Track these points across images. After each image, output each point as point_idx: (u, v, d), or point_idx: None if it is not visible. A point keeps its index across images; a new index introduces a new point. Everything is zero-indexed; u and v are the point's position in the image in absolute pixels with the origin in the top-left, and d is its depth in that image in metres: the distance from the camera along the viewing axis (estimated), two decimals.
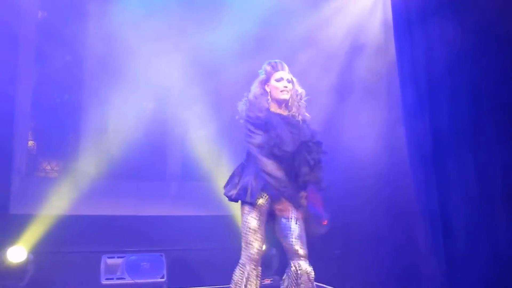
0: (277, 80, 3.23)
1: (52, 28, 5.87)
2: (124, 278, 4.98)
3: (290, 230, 3.23)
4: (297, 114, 3.23)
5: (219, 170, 5.84)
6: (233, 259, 5.57)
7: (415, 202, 4.10)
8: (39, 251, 5.00)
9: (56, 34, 5.81)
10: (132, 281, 4.96)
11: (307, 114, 3.32)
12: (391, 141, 4.63)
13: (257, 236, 3.16)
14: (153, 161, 6.11)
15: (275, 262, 5.57)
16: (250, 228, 3.16)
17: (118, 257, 5.07)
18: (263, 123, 3.12)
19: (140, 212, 5.66)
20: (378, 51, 5.20)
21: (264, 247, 3.30)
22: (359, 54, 5.44)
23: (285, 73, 3.24)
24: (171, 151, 6.26)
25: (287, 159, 3.13)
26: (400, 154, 4.31)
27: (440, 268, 3.81)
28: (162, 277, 5.07)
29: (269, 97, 3.21)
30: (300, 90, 3.30)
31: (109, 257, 5.07)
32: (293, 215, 3.22)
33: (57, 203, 5.33)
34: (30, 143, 5.87)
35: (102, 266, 5.02)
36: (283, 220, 3.24)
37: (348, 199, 5.03)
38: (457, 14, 3.86)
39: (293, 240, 3.22)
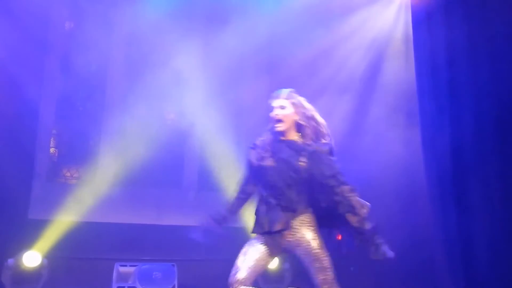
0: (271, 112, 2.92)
1: (78, 39, 6.06)
2: (136, 287, 4.97)
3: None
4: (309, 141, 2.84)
5: (235, 182, 5.80)
6: None
7: (432, 225, 3.90)
8: (53, 256, 5.06)
9: (82, 45, 5.99)
10: None
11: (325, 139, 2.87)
12: (408, 158, 4.49)
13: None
14: (171, 170, 6.15)
15: (287, 276, 5.47)
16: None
17: (130, 266, 5.07)
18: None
19: (155, 221, 5.68)
20: (399, 63, 5.12)
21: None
22: (379, 66, 5.38)
23: (276, 101, 2.92)
24: (188, 160, 6.27)
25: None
26: (417, 172, 4.16)
27: None
28: (173, 287, 5.04)
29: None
30: (308, 112, 2.91)
31: (121, 265, 5.08)
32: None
33: (75, 210, 5.41)
34: (52, 150, 6.00)
35: (115, 273, 5.03)
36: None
37: None
38: (479, 16, 3.70)
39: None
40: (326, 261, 2.88)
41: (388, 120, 4.86)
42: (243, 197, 3.08)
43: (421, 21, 4.53)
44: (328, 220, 2.90)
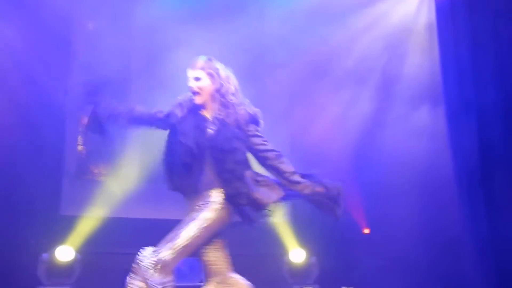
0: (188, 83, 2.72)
1: (101, 38, 6.15)
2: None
3: None
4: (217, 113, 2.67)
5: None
6: (273, 266, 5.64)
7: (462, 228, 3.83)
8: (85, 251, 5.23)
9: (105, 44, 6.09)
10: None
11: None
12: (433, 152, 4.44)
13: None
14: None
15: (314, 270, 5.51)
16: None
17: None
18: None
19: (182, 216, 5.77)
20: (422, 54, 5.04)
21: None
22: (402, 57, 5.31)
23: (191, 71, 2.76)
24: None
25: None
26: (445, 169, 4.09)
27: None
28: (201, 281, 5.13)
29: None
30: (225, 83, 2.74)
31: None
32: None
33: (104, 206, 5.56)
34: (80, 147, 6.14)
35: None
36: None
37: (391, 218, 4.88)
38: (504, 2, 3.61)
39: None
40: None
41: (411, 113, 4.81)
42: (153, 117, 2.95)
43: (445, 9, 4.44)
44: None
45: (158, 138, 5.92)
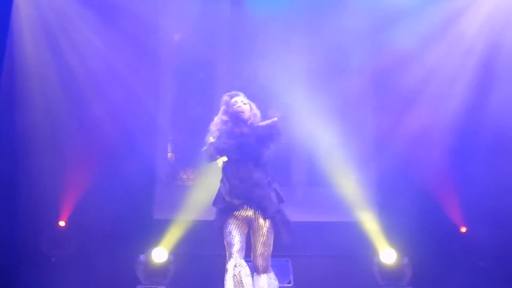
0: (233, 104, 3.56)
1: (187, 49, 6.44)
2: None
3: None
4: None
5: (344, 176, 5.77)
6: (360, 267, 5.48)
7: None
8: (178, 253, 5.45)
9: (190, 54, 6.37)
10: None
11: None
12: None
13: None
14: (279, 168, 6.24)
15: (407, 272, 5.26)
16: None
17: (248, 261, 5.24)
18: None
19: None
20: None
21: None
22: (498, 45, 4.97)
23: (239, 97, 3.59)
24: (296, 156, 6.33)
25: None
26: None
27: None
28: (289, 283, 5.14)
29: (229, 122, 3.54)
30: (257, 112, 3.60)
31: None
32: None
33: (193, 209, 5.76)
34: (169, 154, 6.47)
35: None
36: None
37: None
38: None
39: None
40: (270, 238, 3.37)
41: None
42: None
43: None
44: None
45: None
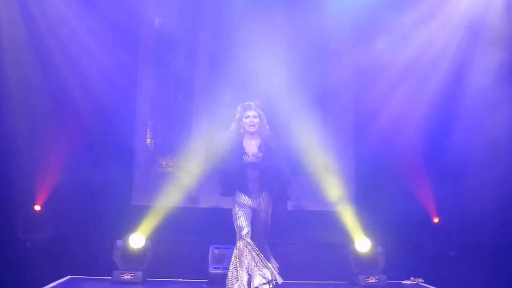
0: (246, 117, 4.24)
1: (167, 33, 6.37)
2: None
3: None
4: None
5: (322, 166, 5.84)
6: (336, 255, 5.59)
7: None
8: (155, 239, 5.45)
9: (171, 39, 6.30)
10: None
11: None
12: None
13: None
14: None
15: (381, 260, 5.38)
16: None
17: (224, 248, 5.29)
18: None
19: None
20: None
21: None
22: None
23: (251, 111, 4.24)
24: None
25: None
26: None
27: None
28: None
29: (241, 130, 4.23)
30: (266, 124, 4.29)
31: (216, 248, 5.34)
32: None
33: (172, 196, 5.76)
34: (148, 141, 6.43)
35: (210, 256, 5.31)
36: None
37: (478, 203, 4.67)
38: None
39: None
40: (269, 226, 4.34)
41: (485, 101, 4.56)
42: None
43: None
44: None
45: (220, 130, 6.12)
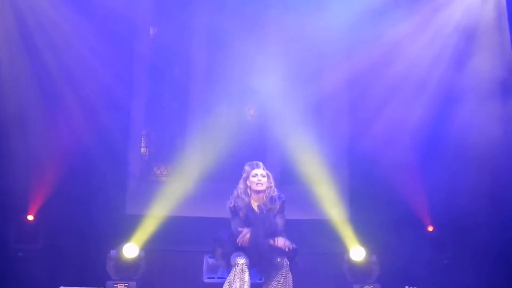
0: (253, 176, 4.14)
1: (162, 43, 6.40)
2: (225, 278, 5.16)
3: None
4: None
5: (316, 175, 5.85)
6: (330, 264, 5.58)
7: None
8: (149, 248, 5.43)
9: (165, 48, 6.33)
10: None
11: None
12: (506, 152, 4.22)
13: None
14: None
15: (375, 269, 5.38)
16: None
17: None
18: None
19: None
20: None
21: None
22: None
23: (259, 170, 4.15)
24: (270, 154, 6.37)
25: None
26: None
27: None
28: (260, 279, 5.16)
29: (249, 190, 4.12)
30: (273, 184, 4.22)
31: (210, 257, 5.29)
32: None
33: (166, 205, 5.75)
34: (143, 149, 6.42)
35: (204, 265, 5.29)
36: None
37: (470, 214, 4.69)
38: None
39: None
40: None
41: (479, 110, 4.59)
42: None
43: None
44: None
45: (215, 139, 6.13)
